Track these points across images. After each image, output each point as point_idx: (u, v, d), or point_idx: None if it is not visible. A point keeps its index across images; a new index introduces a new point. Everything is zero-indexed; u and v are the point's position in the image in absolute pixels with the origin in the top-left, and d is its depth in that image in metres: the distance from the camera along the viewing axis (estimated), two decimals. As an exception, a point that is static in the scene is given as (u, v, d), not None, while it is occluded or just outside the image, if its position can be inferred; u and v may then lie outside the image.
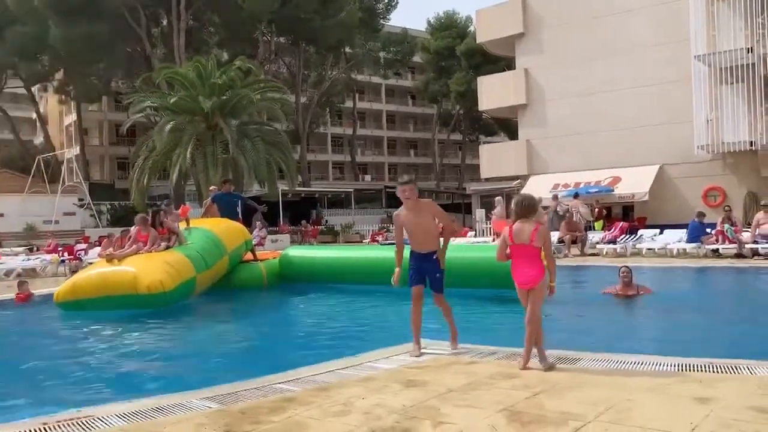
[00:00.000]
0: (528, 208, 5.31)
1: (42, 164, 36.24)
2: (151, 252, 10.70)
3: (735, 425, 3.61)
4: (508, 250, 5.32)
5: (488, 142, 44.69)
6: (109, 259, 10.50)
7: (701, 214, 16.98)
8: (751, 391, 4.33)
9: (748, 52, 21.29)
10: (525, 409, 4.04)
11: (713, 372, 4.91)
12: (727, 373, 4.89)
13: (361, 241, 29.57)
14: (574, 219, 19.13)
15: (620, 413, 3.92)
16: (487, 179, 34.83)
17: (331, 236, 33.57)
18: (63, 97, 50.09)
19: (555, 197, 21.18)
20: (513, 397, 4.30)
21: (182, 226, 11.87)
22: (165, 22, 44.30)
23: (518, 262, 5.24)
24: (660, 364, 5.16)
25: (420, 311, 5.87)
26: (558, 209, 19.66)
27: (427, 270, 5.86)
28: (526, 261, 5.20)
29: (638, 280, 10.14)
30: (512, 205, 5.40)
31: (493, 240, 19.84)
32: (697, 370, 4.96)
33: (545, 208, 18.67)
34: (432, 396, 4.40)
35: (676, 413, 3.88)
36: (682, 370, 5.00)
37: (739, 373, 4.88)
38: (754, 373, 4.84)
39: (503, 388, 4.56)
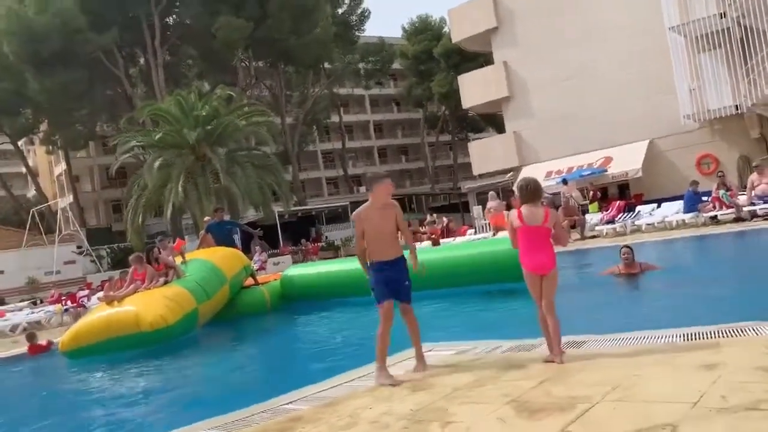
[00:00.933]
0: (534, 191, 5.12)
1: (37, 216, 36.24)
2: (149, 289, 10.66)
3: (743, 388, 3.57)
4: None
5: (477, 139, 44.71)
6: (109, 301, 10.46)
7: (694, 183, 17.00)
8: (758, 351, 4.30)
9: (722, 17, 21.33)
10: (532, 399, 4.00)
11: (719, 337, 4.88)
12: (733, 337, 4.86)
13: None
14: (570, 204, 19.10)
15: (627, 390, 3.88)
16: (480, 176, 34.85)
17: (332, 252, 33.54)
18: (50, 147, 50.17)
19: None
20: (519, 388, 4.26)
21: (178, 260, 11.83)
22: (142, 61, 44.52)
23: (531, 246, 5.01)
24: (665, 337, 5.12)
25: (390, 331, 5.19)
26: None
27: (396, 279, 5.20)
28: (539, 245, 5.01)
29: (642, 256, 10.11)
30: (517, 191, 5.22)
31: (494, 235, 19.80)
32: (703, 338, 4.92)
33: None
34: (438, 397, 4.36)
35: (683, 383, 3.84)
36: (687, 339, 4.96)
37: (745, 335, 4.84)
38: (760, 333, 4.80)
39: (509, 381, 4.52)
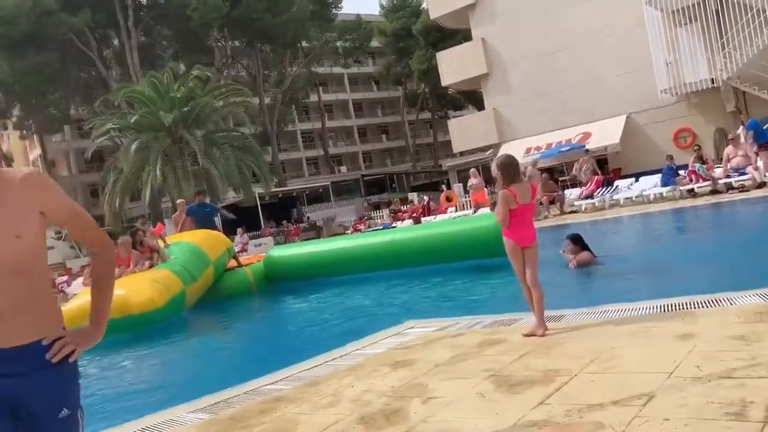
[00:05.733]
0: (516, 166, 5.23)
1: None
2: (135, 272, 10.62)
3: (717, 356, 3.65)
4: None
5: (457, 117, 44.65)
6: (95, 286, 10.35)
7: (669, 158, 17.22)
8: (731, 321, 4.39)
9: (697, -10, 21.39)
10: (512, 373, 4.06)
11: (694, 308, 4.96)
12: (707, 307, 4.95)
13: (345, 233, 29.54)
14: (549, 180, 19.22)
15: (606, 362, 3.95)
16: (461, 153, 34.88)
17: (315, 232, 33.50)
18: (24, 132, 49.28)
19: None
20: (499, 363, 4.31)
21: (160, 244, 11.76)
22: (116, 42, 43.75)
23: (522, 222, 5.12)
24: (642, 309, 5.20)
25: None
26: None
27: (22, 397, 1.88)
28: (528, 219, 5.17)
29: (621, 229, 10.17)
30: (498, 170, 5.17)
31: (474, 212, 19.93)
32: (679, 309, 5.01)
33: None
34: (420, 374, 4.40)
35: (659, 354, 3.92)
36: (663, 310, 5.04)
37: (719, 306, 4.93)
38: (734, 303, 4.90)
39: (490, 355, 4.57)
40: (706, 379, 3.31)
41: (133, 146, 24.93)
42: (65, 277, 20.00)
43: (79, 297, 10.93)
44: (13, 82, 37.92)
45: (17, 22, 34.31)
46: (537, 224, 5.39)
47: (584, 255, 8.56)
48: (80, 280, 15.90)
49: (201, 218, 13.43)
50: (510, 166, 5.18)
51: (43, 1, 35.03)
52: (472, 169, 22.04)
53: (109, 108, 30.14)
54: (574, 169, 19.70)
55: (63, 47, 38.38)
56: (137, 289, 9.83)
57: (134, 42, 40.28)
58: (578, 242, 8.72)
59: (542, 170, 21.75)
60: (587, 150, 21.71)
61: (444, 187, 27.71)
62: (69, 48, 38.89)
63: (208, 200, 16.69)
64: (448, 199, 24.80)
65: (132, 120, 25.64)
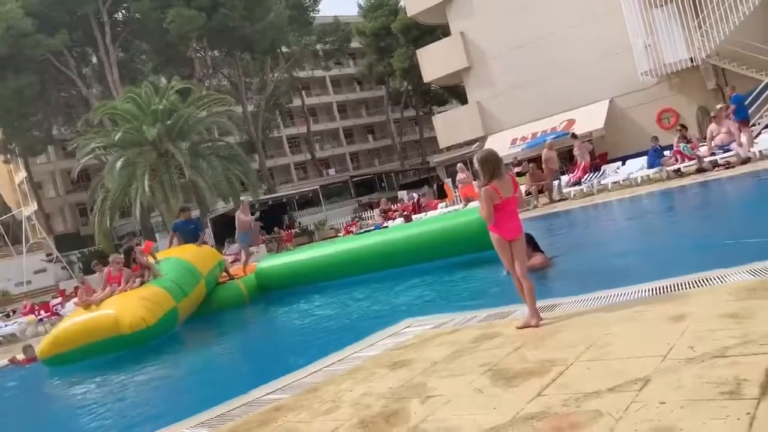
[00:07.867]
0: (497, 161, 5.19)
1: (1, 227, 35.46)
2: (126, 290, 10.56)
3: (710, 336, 3.67)
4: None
5: (442, 112, 44.66)
6: (86, 306, 10.33)
7: (654, 139, 17.28)
8: (722, 299, 4.41)
9: (671, -29, 21.50)
10: (508, 366, 4.07)
11: (686, 288, 4.99)
12: (698, 287, 4.97)
13: (336, 236, 29.50)
14: (535, 171, 19.26)
15: (600, 349, 3.96)
16: (447, 148, 34.93)
17: (307, 237, 33.41)
18: (7, 156, 48.89)
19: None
20: (496, 356, 4.32)
21: (150, 260, 11.72)
22: (95, 60, 43.50)
23: (506, 216, 5.12)
24: (634, 293, 5.22)
25: None
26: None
27: None
28: (513, 213, 5.17)
29: (610, 214, 10.19)
30: (479, 166, 5.17)
31: (464, 206, 19.94)
32: (671, 291, 5.03)
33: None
34: (417, 373, 4.41)
35: (653, 337, 3.94)
36: (655, 293, 5.07)
37: (710, 284, 4.96)
38: (725, 281, 4.92)
39: (486, 350, 4.58)
40: (700, 360, 3.33)
41: (118, 163, 24.76)
42: (59, 299, 19.90)
43: (72, 316, 10.87)
44: (-7, 107, 37.60)
45: (-7, 46, 34.06)
46: (527, 214, 5.40)
47: (536, 258, 7.84)
48: (74, 301, 15.80)
49: (186, 234, 13.42)
50: (490, 162, 5.15)
51: (18, 24, 34.74)
52: (459, 164, 22.06)
53: (92, 127, 29.94)
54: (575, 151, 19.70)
55: (42, 68, 38.10)
56: (127, 308, 9.78)
57: (113, 58, 40.09)
58: (530, 243, 7.62)
59: (529, 160, 21.84)
60: (575, 135, 21.55)
61: (445, 181, 27.87)
62: (48, 68, 38.63)
63: (195, 215, 16.66)
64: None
65: (116, 137, 25.47)
